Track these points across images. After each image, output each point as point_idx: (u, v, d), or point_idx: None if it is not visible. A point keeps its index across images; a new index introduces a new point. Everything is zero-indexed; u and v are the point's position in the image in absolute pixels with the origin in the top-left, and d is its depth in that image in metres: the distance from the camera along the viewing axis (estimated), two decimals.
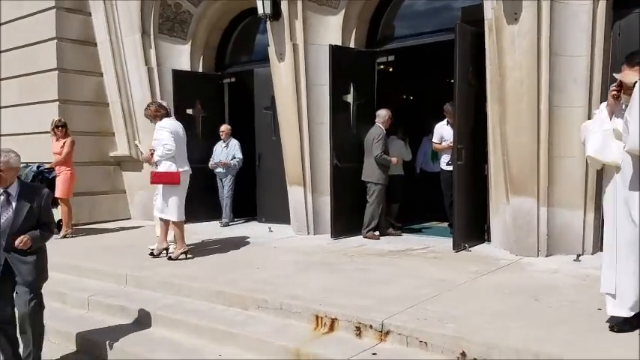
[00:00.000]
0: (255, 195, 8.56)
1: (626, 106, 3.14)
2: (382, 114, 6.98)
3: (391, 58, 7.40)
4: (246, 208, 8.78)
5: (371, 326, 3.80)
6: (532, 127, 5.31)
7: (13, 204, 3.74)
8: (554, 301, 4.00)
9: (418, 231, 7.58)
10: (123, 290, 5.35)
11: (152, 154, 6.16)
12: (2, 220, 3.71)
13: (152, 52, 8.69)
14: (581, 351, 3.07)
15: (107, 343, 4.35)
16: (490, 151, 5.91)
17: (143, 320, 4.68)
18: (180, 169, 5.94)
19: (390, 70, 8.19)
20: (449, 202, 6.55)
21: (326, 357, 3.61)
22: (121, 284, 5.47)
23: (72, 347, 4.57)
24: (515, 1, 5.23)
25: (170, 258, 5.98)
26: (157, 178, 5.97)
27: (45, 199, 3.87)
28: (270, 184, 8.18)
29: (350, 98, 7.10)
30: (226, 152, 8.35)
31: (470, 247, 5.97)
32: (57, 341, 4.61)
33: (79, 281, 5.73)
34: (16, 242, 3.64)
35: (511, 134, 5.44)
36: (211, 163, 8.41)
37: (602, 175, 5.36)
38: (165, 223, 6.08)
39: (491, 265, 5.24)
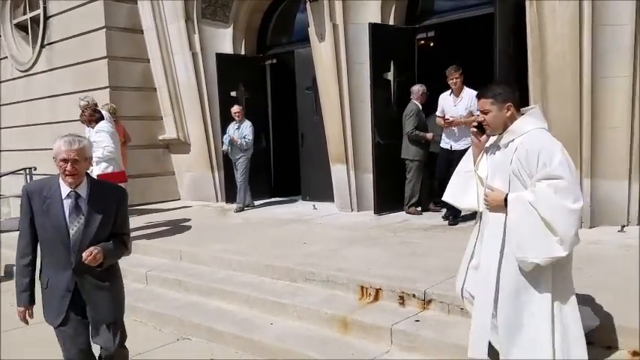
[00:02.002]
0: (300, 174, 8.77)
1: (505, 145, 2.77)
2: (415, 89, 6.98)
3: (431, 33, 7.41)
4: (291, 187, 9.02)
5: (414, 295, 3.97)
6: (575, 100, 5.29)
7: (84, 209, 2.78)
8: (595, 271, 4.06)
9: None
10: (178, 265, 5.68)
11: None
12: (72, 233, 2.76)
13: (196, 37, 8.95)
14: (618, 315, 3.15)
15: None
16: None
17: (198, 292, 4.99)
18: (117, 170, 6.27)
19: (432, 45, 8.20)
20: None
21: (369, 323, 3.80)
22: (176, 260, 5.80)
23: (135, 318, 4.91)
24: None
25: None
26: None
27: (123, 202, 2.95)
28: (313, 163, 8.36)
29: (390, 76, 7.17)
30: (238, 133, 8.13)
31: None
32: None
33: (136, 257, 6.09)
34: (84, 256, 2.70)
35: (553, 106, 5.42)
36: (224, 147, 8.26)
37: None
38: None
39: None
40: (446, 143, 6.37)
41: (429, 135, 6.92)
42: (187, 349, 4.25)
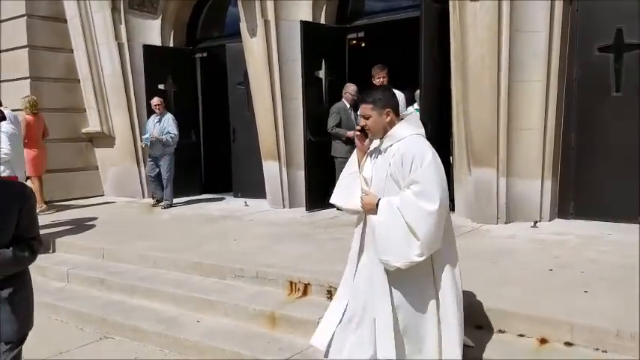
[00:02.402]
0: (231, 170, 8.69)
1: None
2: (347, 88, 7.00)
3: (361, 34, 7.55)
4: (222, 183, 8.93)
5: None
6: (493, 102, 5.57)
7: None
8: (508, 263, 4.31)
9: None
10: (101, 264, 5.51)
11: None
12: None
13: (122, 27, 8.68)
14: (531, 306, 3.37)
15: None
16: (454, 125, 6.16)
17: (121, 291, 4.87)
18: (12, 174, 5.87)
19: (363, 45, 8.35)
20: None
21: (299, 318, 3.85)
22: (99, 258, 5.62)
23: (56, 318, 4.74)
24: None
25: None
26: None
27: (27, 202, 2.50)
28: (245, 159, 8.30)
29: (322, 74, 7.26)
30: (159, 128, 7.84)
31: None
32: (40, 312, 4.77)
33: (57, 255, 5.87)
34: None
35: (473, 108, 5.69)
36: (143, 140, 8.03)
37: (559, 144, 5.76)
38: None
39: (454, 231, 5.52)
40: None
41: (350, 133, 6.78)
42: (110, 349, 4.14)
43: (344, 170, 3.10)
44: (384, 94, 2.87)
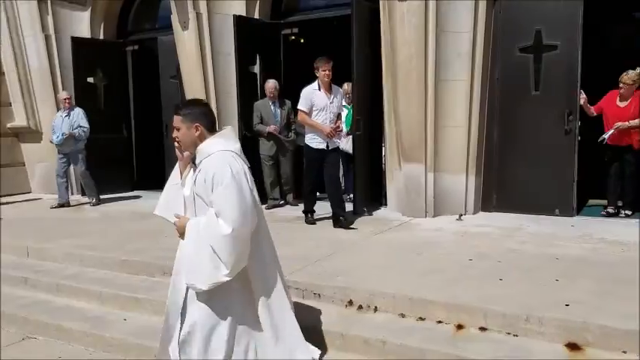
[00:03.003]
0: (164, 166, 8.53)
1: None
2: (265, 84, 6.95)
3: (295, 30, 7.60)
4: (155, 179, 8.74)
5: None
6: (420, 100, 5.75)
7: None
8: (431, 254, 4.49)
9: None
10: (25, 262, 5.31)
11: None
12: None
13: (49, 18, 8.38)
14: (450, 294, 3.54)
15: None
16: (386, 121, 6.32)
17: (46, 290, 4.72)
18: None
19: (302, 41, 8.39)
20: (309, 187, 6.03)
21: None
22: (23, 256, 5.42)
23: None
24: None
25: None
26: None
27: None
28: None
29: (256, 69, 7.26)
30: (69, 122, 7.52)
31: (369, 211, 6.40)
32: None
33: None
34: None
35: (402, 106, 5.86)
36: (54, 138, 7.60)
37: (482, 141, 6.02)
38: None
39: (385, 225, 5.69)
40: (319, 143, 5.68)
41: (270, 128, 6.82)
42: (33, 349, 4.00)
43: (168, 180, 3.00)
44: (194, 109, 2.80)
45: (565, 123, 5.73)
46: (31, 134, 8.92)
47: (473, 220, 5.83)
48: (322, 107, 5.64)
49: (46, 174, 8.97)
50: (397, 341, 3.19)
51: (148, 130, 8.94)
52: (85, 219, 6.96)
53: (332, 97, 5.71)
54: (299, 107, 5.75)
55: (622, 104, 5.73)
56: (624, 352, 2.86)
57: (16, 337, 4.19)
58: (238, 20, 6.89)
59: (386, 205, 6.66)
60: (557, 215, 5.77)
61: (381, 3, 5.99)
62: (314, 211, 6.06)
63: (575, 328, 2.99)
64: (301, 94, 5.72)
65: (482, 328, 3.24)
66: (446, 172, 5.96)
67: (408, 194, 6.01)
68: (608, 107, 5.82)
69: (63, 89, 8.44)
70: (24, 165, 9.22)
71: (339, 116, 5.84)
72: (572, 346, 2.96)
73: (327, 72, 5.62)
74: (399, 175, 6.16)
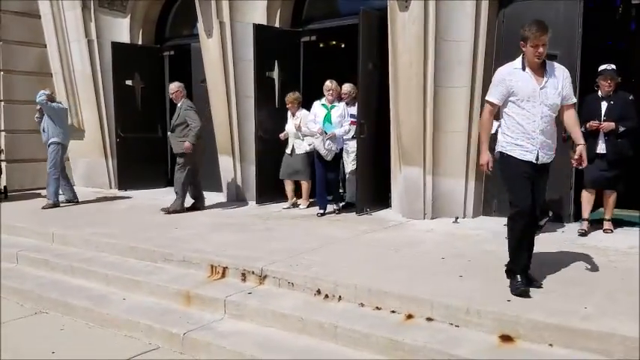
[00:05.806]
0: None
1: None
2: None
3: (313, 37, 7.92)
4: None
5: (253, 272, 4.44)
6: (419, 105, 5.95)
7: None
8: (409, 252, 4.71)
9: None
10: (49, 247, 5.89)
11: None
12: None
13: (92, 25, 9.06)
14: (407, 287, 3.76)
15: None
16: (392, 126, 6.54)
17: (63, 271, 5.25)
18: None
19: (322, 46, 8.71)
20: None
21: (209, 296, 4.24)
22: (48, 242, 6.00)
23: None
24: None
25: None
26: None
27: None
28: (207, 153, 8.63)
29: (275, 75, 7.63)
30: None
31: (372, 212, 6.63)
32: None
33: (10, 239, 6.24)
34: None
35: (402, 111, 6.08)
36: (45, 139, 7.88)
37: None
38: None
39: (381, 225, 5.93)
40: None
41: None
42: (42, 322, 4.52)
43: None
44: None
45: (564, 130, 5.76)
46: (75, 132, 9.60)
47: (469, 223, 5.97)
48: (527, 96, 3.73)
49: (87, 169, 9.69)
50: (348, 326, 3.46)
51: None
52: (112, 210, 7.54)
53: (545, 80, 3.74)
54: (486, 98, 3.92)
55: None
56: (550, 345, 3.02)
57: (29, 312, 4.72)
58: (257, 29, 7.27)
59: (391, 206, 6.88)
60: (551, 221, 5.82)
61: (388, 12, 6.23)
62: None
63: (508, 321, 3.18)
64: (493, 78, 3.90)
65: (429, 319, 3.46)
66: (445, 175, 6.12)
67: (407, 196, 6.22)
68: None
69: (103, 91, 9.13)
70: (68, 160, 9.94)
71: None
72: (505, 338, 3.16)
73: (539, 49, 3.68)
74: (399, 178, 6.37)
